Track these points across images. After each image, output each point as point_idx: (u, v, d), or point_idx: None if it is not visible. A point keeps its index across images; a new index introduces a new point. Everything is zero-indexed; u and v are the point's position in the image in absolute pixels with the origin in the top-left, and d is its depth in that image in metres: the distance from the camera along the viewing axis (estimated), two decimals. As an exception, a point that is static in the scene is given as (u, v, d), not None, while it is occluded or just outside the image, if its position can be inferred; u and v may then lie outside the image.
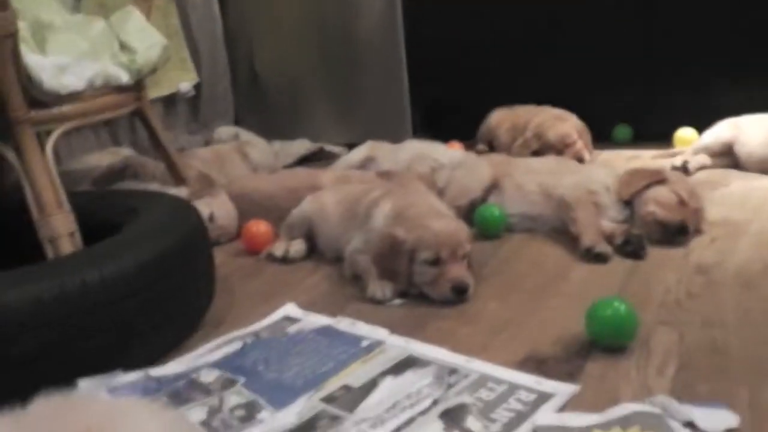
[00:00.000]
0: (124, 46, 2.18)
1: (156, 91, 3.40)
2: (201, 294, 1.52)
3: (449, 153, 2.47)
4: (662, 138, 2.94)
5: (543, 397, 1.12)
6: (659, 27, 2.99)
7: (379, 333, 1.38)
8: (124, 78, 2.11)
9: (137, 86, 2.25)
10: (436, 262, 1.54)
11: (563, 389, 1.14)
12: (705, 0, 2.88)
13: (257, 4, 3.66)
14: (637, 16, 3.02)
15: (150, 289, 1.32)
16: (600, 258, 1.71)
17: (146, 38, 2.23)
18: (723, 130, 2.57)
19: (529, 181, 2.03)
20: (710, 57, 2.92)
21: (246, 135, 3.47)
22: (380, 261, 1.60)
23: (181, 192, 2.23)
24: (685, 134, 2.84)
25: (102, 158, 2.82)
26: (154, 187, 2.31)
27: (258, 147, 3.12)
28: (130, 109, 2.25)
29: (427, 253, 1.54)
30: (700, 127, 2.71)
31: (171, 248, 1.40)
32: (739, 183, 2.36)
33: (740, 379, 1.15)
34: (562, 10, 3.13)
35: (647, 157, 2.83)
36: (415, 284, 1.58)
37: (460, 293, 1.53)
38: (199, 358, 1.34)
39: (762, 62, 2.83)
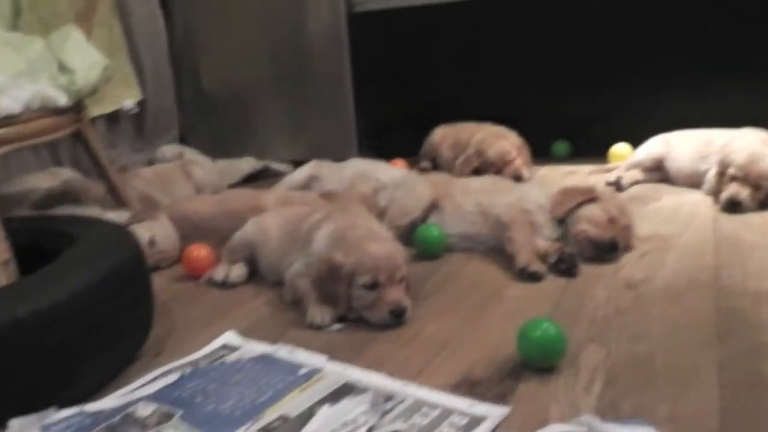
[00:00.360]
0: (63, 67, 2.16)
1: (99, 108, 3.36)
2: (139, 323, 1.51)
3: (391, 172, 2.51)
4: (599, 153, 3.04)
5: (475, 421, 1.15)
6: (597, 45, 3.08)
7: (318, 360, 1.40)
8: (63, 100, 2.10)
9: (77, 108, 2.23)
10: (374, 286, 1.57)
11: (495, 412, 1.17)
12: (640, 21, 2.98)
13: (204, 20, 3.66)
14: (575, 36, 3.11)
15: (84, 322, 1.31)
16: (534, 277, 1.76)
17: (86, 58, 2.21)
18: (654, 146, 2.67)
19: (468, 201, 2.07)
20: (646, 74, 3.03)
21: (190, 154, 3.45)
22: (319, 285, 1.61)
23: (122, 215, 2.22)
24: (619, 150, 2.94)
25: (41, 180, 2.77)
26: (94, 211, 2.28)
27: (202, 166, 3.10)
28: (68, 132, 2.23)
29: (365, 277, 1.56)
30: (636, 143, 2.80)
31: (106, 278, 1.39)
32: (670, 197, 2.46)
33: (662, 392, 1.20)
34: (502, 29, 3.21)
35: (584, 173, 2.91)
36: (354, 308, 1.60)
37: (398, 316, 1.55)
38: (137, 391, 1.34)
39: (695, 79, 2.94)
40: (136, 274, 1.51)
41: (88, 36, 2.25)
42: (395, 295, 1.57)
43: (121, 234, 1.62)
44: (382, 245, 1.63)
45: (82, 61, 2.14)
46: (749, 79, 2.87)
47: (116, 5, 3.39)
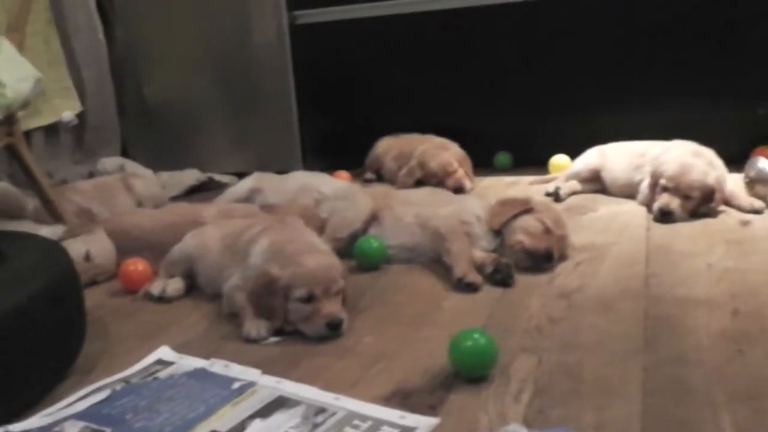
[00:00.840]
0: (-8, 80, 2.11)
1: (37, 120, 3.30)
2: (70, 341, 1.48)
3: (333, 184, 2.51)
4: (540, 164, 3.10)
5: (406, 432, 1.16)
6: (539, 57, 3.16)
7: (252, 374, 1.39)
8: (-8, 114, 2.05)
9: (8, 121, 2.19)
10: (310, 299, 1.57)
11: (425, 422, 1.18)
12: (580, 37, 3.06)
13: (146, 31, 3.61)
14: (517, 49, 3.17)
15: (13, 340, 1.28)
16: (471, 287, 1.79)
17: (17, 71, 2.17)
18: (591, 158, 2.73)
19: (407, 213, 2.09)
20: (586, 87, 3.11)
21: (132, 166, 3.41)
22: (256, 298, 1.61)
23: (56, 230, 2.17)
24: (559, 161, 3.01)
25: (-27, 194, 2.70)
26: (27, 226, 2.23)
27: (144, 179, 3.07)
28: (0, 145, 2.18)
29: (301, 290, 1.56)
30: (575, 154, 2.87)
31: (35, 298, 1.36)
32: (606, 208, 2.52)
33: (589, 400, 1.23)
34: (444, 41, 3.25)
35: (525, 183, 2.97)
36: (291, 321, 1.60)
37: (334, 329, 1.56)
38: (65, 409, 1.31)
39: (631, 94, 3.03)
40: (67, 292, 1.48)
41: (21, 48, 2.20)
42: (331, 307, 1.57)
43: (53, 250, 1.59)
44: (318, 258, 1.64)
45: (13, 74, 2.10)
46: (680, 94, 2.98)
47: (52, 17, 3.33)
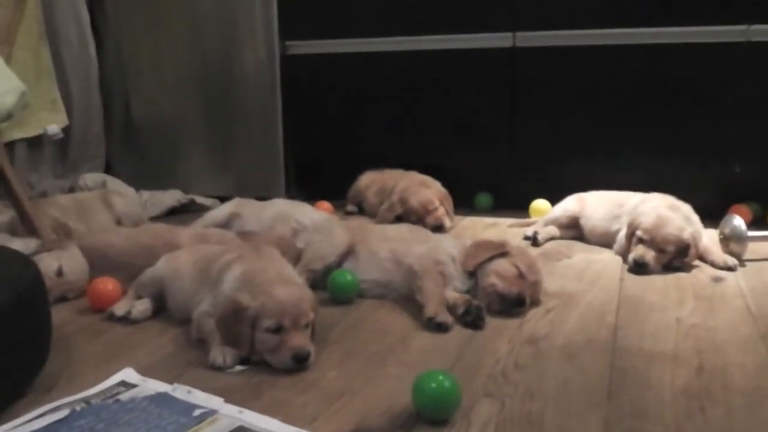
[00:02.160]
0: (-24, 91, 2.11)
1: (21, 131, 3.30)
2: (32, 357, 1.46)
3: (312, 214, 2.52)
4: (521, 207, 3.12)
5: (362, 471, 1.15)
6: (524, 102, 3.20)
7: (214, 402, 1.38)
8: (-26, 124, 2.04)
9: (-10, 132, 2.18)
10: (278, 329, 1.56)
11: (382, 462, 1.18)
12: (568, 82, 3.11)
13: (137, 50, 3.63)
14: (505, 91, 3.22)
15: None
16: (441, 327, 1.79)
17: (2, 83, 2.17)
18: (570, 204, 2.76)
19: (383, 248, 2.10)
20: (569, 134, 3.15)
21: (113, 183, 3.41)
22: (223, 326, 1.60)
23: (30, 243, 2.16)
24: (539, 205, 3.03)
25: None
26: None
27: (124, 197, 3.06)
28: (-21, 155, 2.17)
29: (270, 321, 1.56)
30: (557, 200, 2.89)
31: (0, 308, 1.35)
32: (582, 255, 2.54)
33: (548, 451, 1.23)
34: (433, 80, 3.29)
35: (505, 225, 2.99)
36: (257, 351, 1.59)
37: (300, 361, 1.55)
38: (21, 427, 1.29)
39: (616, 142, 3.08)
40: (31, 307, 1.46)
41: (8, 61, 2.21)
42: (298, 340, 1.56)
43: (20, 263, 1.57)
44: (289, 290, 1.63)
45: (-2, 85, 2.10)
46: (661, 148, 3.03)
47: (44, 31, 3.34)
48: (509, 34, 3.11)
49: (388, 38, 3.27)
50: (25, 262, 1.61)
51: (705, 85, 2.94)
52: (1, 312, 1.35)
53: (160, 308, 1.95)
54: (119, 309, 1.89)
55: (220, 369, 1.56)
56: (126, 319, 1.88)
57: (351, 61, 3.35)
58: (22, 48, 3.06)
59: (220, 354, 1.58)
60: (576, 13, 3.02)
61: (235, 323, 1.58)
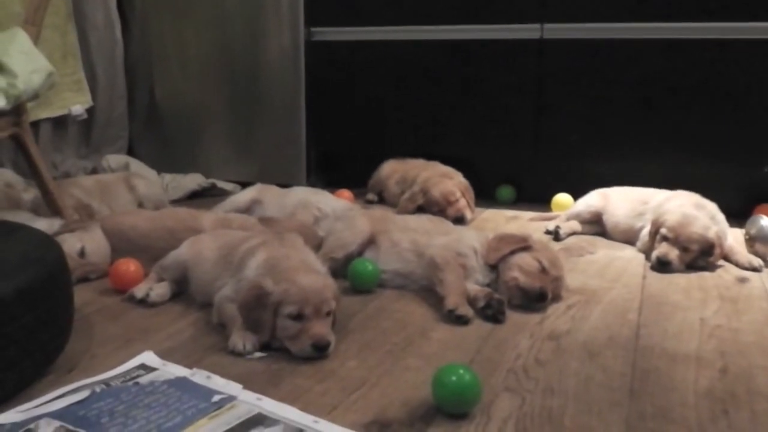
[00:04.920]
0: (4, 69, 2.12)
1: (46, 111, 3.32)
2: (54, 337, 1.47)
3: (334, 203, 2.52)
4: (543, 201, 3.10)
5: (380, 462, 1.15)
6: (550, 95, 3.15)
7: (233, 388, 1.38)
8: (1, 102, 2.05)
9: (16, 111, 2.19)
10: (299, 317, 1.56)
11: (401, 455, 1.17)
12: (594, 77, 3.07)
13: (162, 31, 3.63)
14: (530, 84, 3.18)
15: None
16: (461, 320, 1.78)
17: (30, 63, 2.18)
18: (593, 200, 2.73)
19: (404, 239, 2.09)
20: (594, 129, 3.11)
21: (136, 165, 3.42)
22: (245, 311, 1.60)
23: (53, 223, 2.17)
24: (561, 199, 3.00)
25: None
26: (23, 217, 2.23)
27: (146, 179, 3.07)
28: (5, 134, 2.19)
29: (291, 307, 1.55)
30: (579, 194, 2.86)
31: (23, 288, 1.35)
32: (604, 251, 2.51)
33: (568, 449, 1.22)
34: (459, 70, 3.26)
35: (525, 219, 2.97)
36: (278, 337, 1.59)
37: (320, 350, 1.55)
38: (41, 407, 1.30)
39: (642, 139, 3.04)
40: (54, 287, 1.47)
41: (36, 40, 2.21)
42: (319, 329, 1.56)
43: (44, 244, 1.58)
44: (312, 277, 1.63)
45: (26, 65, 2.11)
46: (687, 146, 2.98)
47: (71, 11, 3.35)
48: (537, 26, 3.07)
49: (413, 27, 3.25)
50: (50, 242, 1.61)
51: (734, 83, 2.88)
52: (25, 292, 1.35)
53: (181, 291, 1.96)
54: (138, 291, 1.90)
55: (240, 354, 1.56)
56: (143, 302, 1.88)
57: (376, 49, 3.33)
58: (49, 27, 3.07)
59: (240, 339, 1.58)
60: (606, 6, 2.97)
61: (257, 308, 1.57)
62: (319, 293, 1.59)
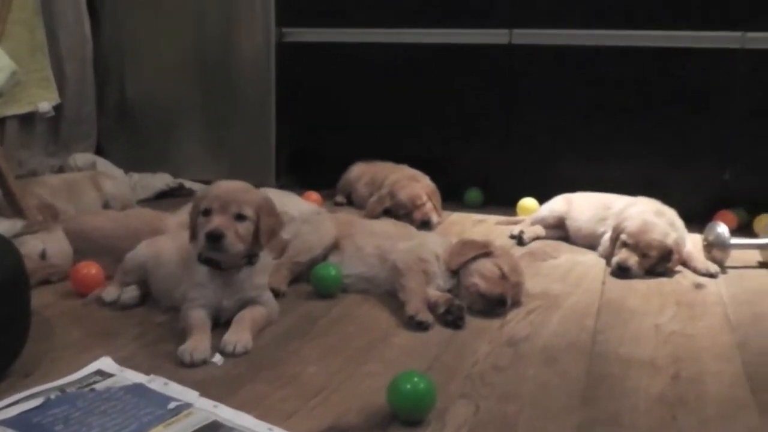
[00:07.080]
0: (-35, 68, 2.10)
1: (13, 108, 3.28)
2: (9, 342, 1.46)
3: (300, 206, 2.52)
4: (510, 204, 3.13)
5: (334, 470, 1.16)
6: (517, 99, 3.20)
7: (189, 395, 1.38)
8: (-37, 102, 2.03)
9: (-22, 110, 2.16)
10: (206, 212, 1.64)
11: (355, 462, 1.18)
12: (560, 82, 3.11)
13: (134, 28, 3.60)
14: (497, 87, 3.21)
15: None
16: (422, 326, 1.79)
17: (-7, 62, 2.16)
18: (557, 204, 2.77)
19: (368, 244, 2.10)
20: (560, 134, 3.16)
21: (103, 164, 3.39)
22: (190, 219, 1.71)
23: (15, 224, 2.15)
24: (527, 203, 3.03)
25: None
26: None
27: (113, 178, 3.05)
28: (-33, 134, 2.16)
29: (203, 202, 1.65)
30: (545, 198, 2.90)
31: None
32: (567, 256, 2.55)
33: (520, 455, 1.25)
34: (428, 73, 3.29)
35: (492, 222, 2.99)
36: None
37: (211, 240, 1.60)
38: (-5, 413, 1.30)
39: (606, 144, 3.09)
40: (11, 291, 1.46)
41: (0, 36, 2.19)
42: (217, 221, 1.61)
43: (1, 247, 1.56)
44: (236, 185, 1.71)
45: (-12, 64, 2.09)
46: (650, 151, 3.04)
47: (39, 7, 3.31)
48: (506, 31, 3.10)
49: (384, 29, 3.26)
50: (7, 246, 1.60)
51: (699, 91, 2.94)
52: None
53: (148, 293, 1.95)
54: (107, 295, 1.89)
55: (182, 365, 1.54)
56: (115, 305, 1.87)
57: (347, 51, 3.34)
58: (16, 23, 3.04)
59: (188, 351, 1.56)
60: (574, 13, 3.02)
61: (193, 214, 1.68)
62: (231, 193, 1.66)
